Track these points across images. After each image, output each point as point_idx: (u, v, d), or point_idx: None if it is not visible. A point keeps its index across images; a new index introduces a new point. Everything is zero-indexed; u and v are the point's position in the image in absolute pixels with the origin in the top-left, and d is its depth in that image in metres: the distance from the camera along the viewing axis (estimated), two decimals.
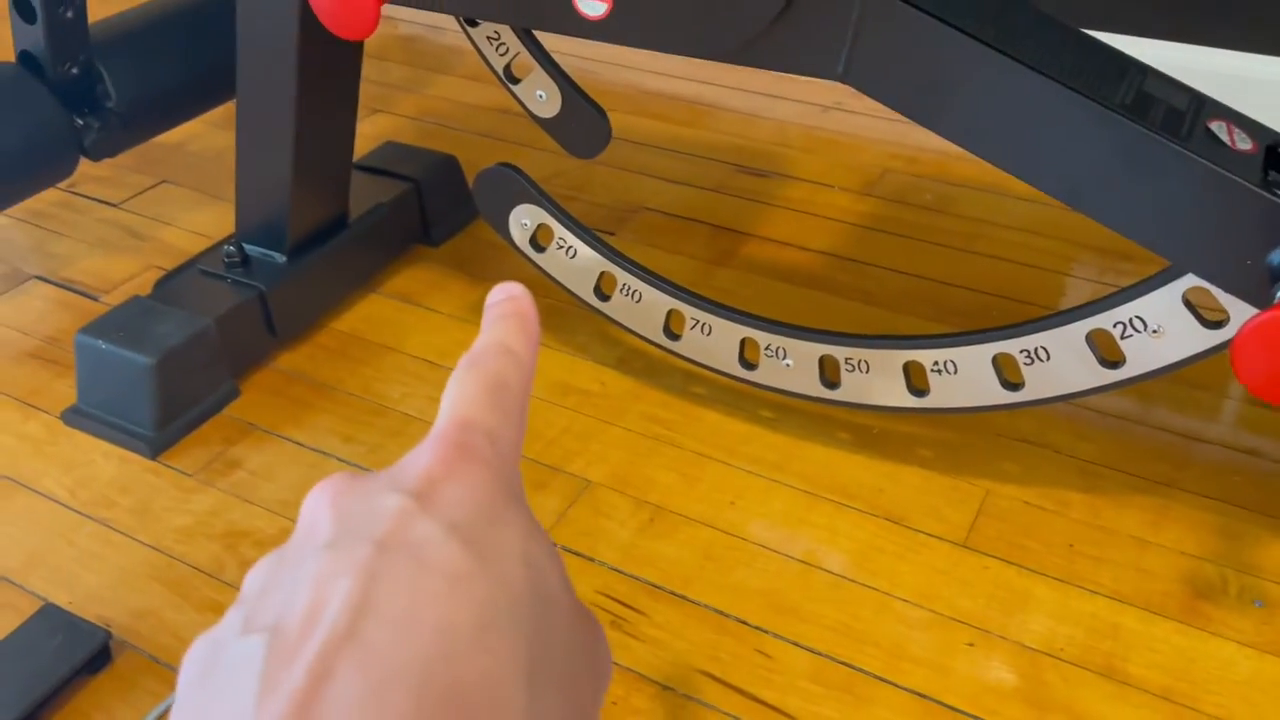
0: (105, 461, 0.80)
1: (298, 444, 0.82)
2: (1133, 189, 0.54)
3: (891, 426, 0.81)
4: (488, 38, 0.73)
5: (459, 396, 0.26)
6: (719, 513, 0.75)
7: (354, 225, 0.95)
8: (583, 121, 0.73)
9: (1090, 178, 0.55)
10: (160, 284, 0.93)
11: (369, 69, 1.46)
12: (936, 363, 0.68)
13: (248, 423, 0.84)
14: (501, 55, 0.73)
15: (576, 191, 1.14)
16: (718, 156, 1.20)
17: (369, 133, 1.26)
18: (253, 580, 0.23)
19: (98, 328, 0.81)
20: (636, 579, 0.71)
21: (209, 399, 0.84)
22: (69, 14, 0.92)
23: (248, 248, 0.89)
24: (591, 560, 0.72)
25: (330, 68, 0.82)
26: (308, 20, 0.74)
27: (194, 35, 1.03)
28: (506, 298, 0.30)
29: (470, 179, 1.08)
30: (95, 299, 0.98)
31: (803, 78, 0.63)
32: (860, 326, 0.93)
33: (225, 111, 1.20)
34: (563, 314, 0.95)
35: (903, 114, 0.60)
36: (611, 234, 1.07)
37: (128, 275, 1.01)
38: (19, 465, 0.80)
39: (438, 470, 0.24)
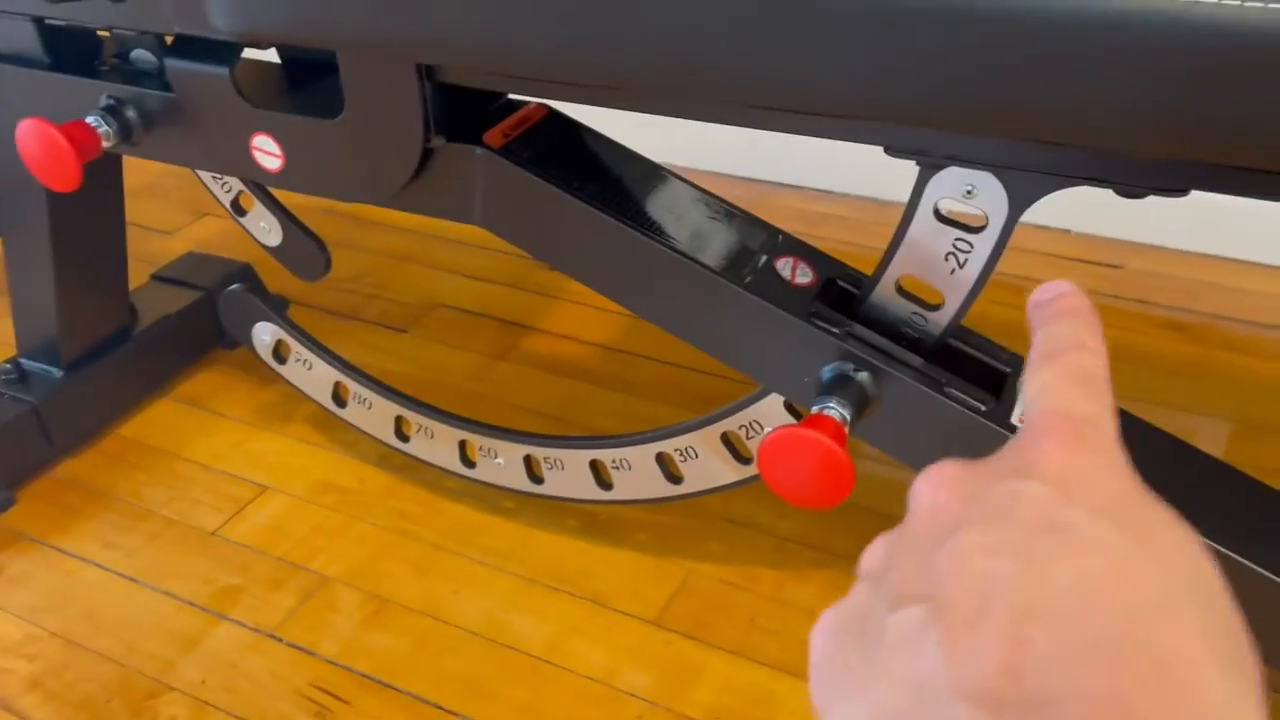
0: None
1: (60, 550, 0.87)
2: (706, 319, 0.62)
3: (618, 512, 0.88)
4: (212, 175, 0.80)
5: (1047, 387, 0.26)
6: (441, 602, 0.81)
7: (139, 336, 1.01)
8: (302, 249, 0.80)
9: (674, 309, 0.63)
10: None
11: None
12: (615, 460, 0.75)
13: (16, 531, 0.89)
14: (226, 191, 0.80)
15: (379, 290, 1.21)
16: (513, 250, 1.27)
17: (195, 236, 1.33)
18: (873, 559, 0.26)
19: None
20: (350, 670, 0.77)
21: None
22: None
23: (26, 364, 0.95)
24: (312, 654, 0.78)
25: (85, 194, 0.89)
26: None
27: None
28: (1055, 295, 0.30)
29: (277, 280, 1.16)
30: None
31: None
32: (621, 419, 1.01)
33: None
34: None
35: (530, 255, 0.68)
36: (404, 331, 1.14)
37: None
38: None
39: (1060, 458, 0.24)
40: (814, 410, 0.57)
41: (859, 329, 0.58)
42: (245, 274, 1.13)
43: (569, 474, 0.78)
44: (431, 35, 0.55)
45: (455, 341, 1.12)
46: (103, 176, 0.90)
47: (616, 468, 0.75)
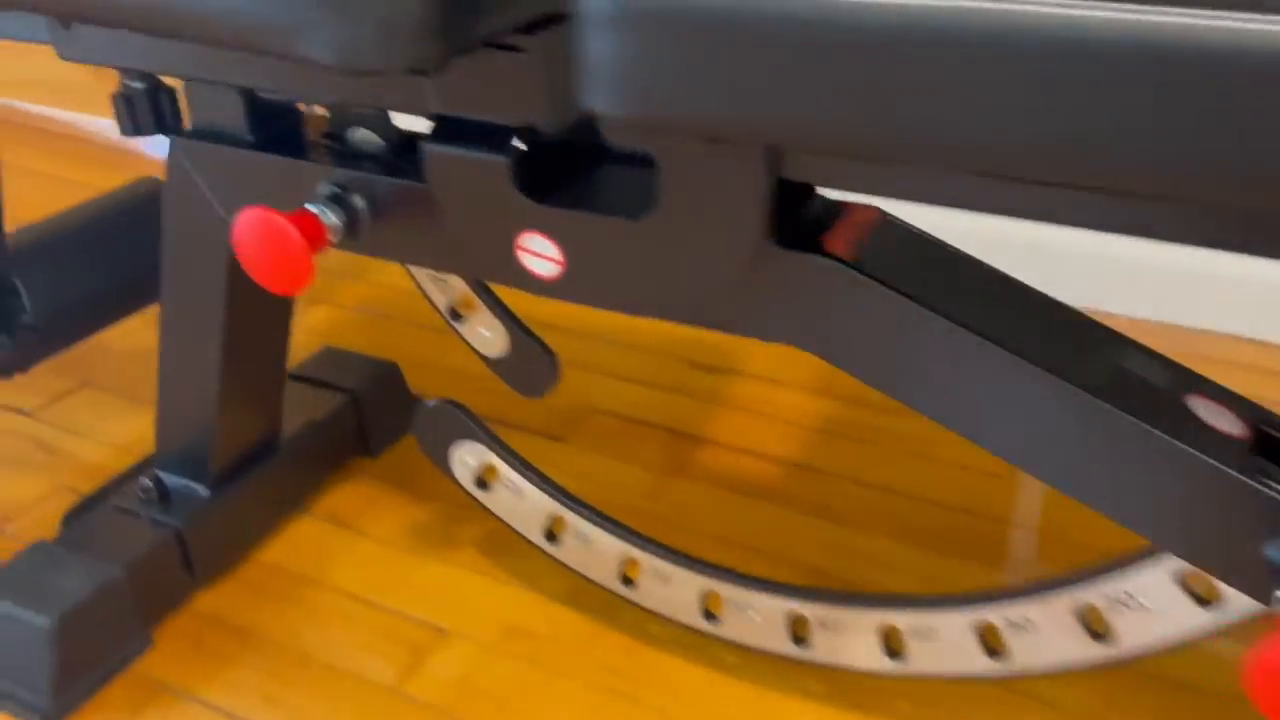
0: None
1: (213, 708, 0.74)
2: (1099, 468, 0.50)
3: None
4: (430, 276, 0.69)
5: None
6: None
7: (286, 446, 0.89)
8: (530, 362, 0.69)
9: (1063, 456, 0.51)
10: (69, 519, 0.85)
11: None
12: (916, 627, 0.63)
13: (158, 681, 0.76)
14: (444, 293, 0.69)
15: None
16: (670, 350, 1.16)
17: (308, 325, 1.21)
18: None
19: None
20: None
21: (117, 654, 0.76)
22: None
23: (167, 479, 0.83)
24: None
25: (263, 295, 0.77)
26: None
27: (119, 238, 0.99)
28: None
29: (418, 378, 1.04)
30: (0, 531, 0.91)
31: None
32: (822, 548, 0.89)
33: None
34: (507, 538, 0.88)
35: (884, 390, 0.56)
36: (561, 440, 1.02)
37: (36, 499, 0.94)
38: None
39: None
40: None
41: None
42: (394, 375, 1.01)
43: (846, 639, 0.65)
44: (812, 115, 0.44)
45: (620, 453, 1.00)
46: None
47: (916, 636, 0.63)
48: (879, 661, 0.65)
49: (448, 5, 0.46)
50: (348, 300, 1.28)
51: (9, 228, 0.92)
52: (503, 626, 0.80)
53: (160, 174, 0.81)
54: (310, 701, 0.74)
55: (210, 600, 0.83)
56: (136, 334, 1.19)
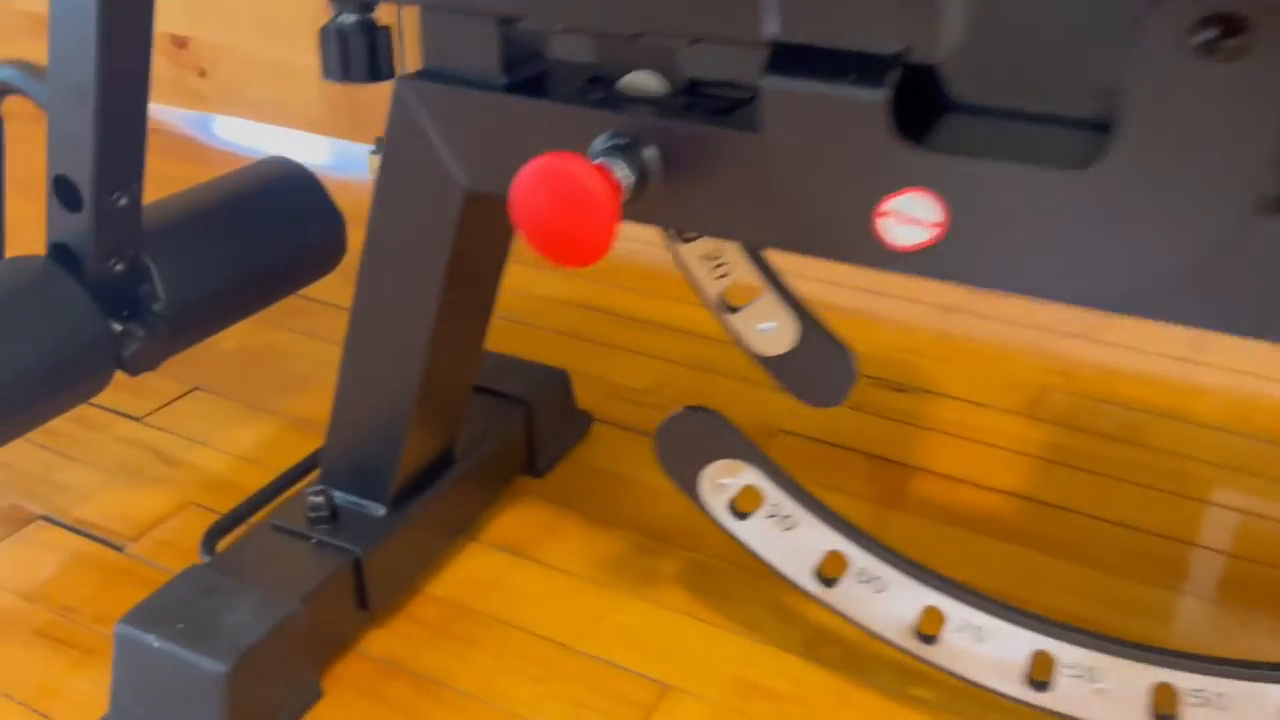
0: None
1: None
2: None
3: None
4: (703, 256, 0.57)
5: None
6: None
7: (460, 461, 0.76)
8: (822, 361, 0.56)
9: None
10: (211, 538, 0.73)
11: None
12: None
13: None
14: (718, 278, 0.57)
15: (689, 401, 0.96)
16: None
17: None
18: None
19: (147, 615, 0.61)
20: None
21: (288, 707, 0.63)
22: (123, 201, 0.74)
23: (336, 496, 0.70)
24: None
25: (477, 269, 0.65)
26: (470, 214, 0.57)
27: (255, 224, 0.87)
28: None
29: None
30: (120, 549, 0.77)
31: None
32: (1083, 595, 0.76)
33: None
34: (715, 574, 0.76)
35: None
36: None
37: (159, 515, 0.81)
38: None
39: None
40: None
41: None
42: (563, 383, 0.89)
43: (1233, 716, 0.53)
44: None
45: (822, 480, 0.87)
46: (502, 234, 0.66)
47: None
48: None
49: None
50: None
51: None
52: (735, 682, 0.67)
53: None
54: None
55: (383, 641, 0.70)
56: (246, 334, 1.06)
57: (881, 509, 0.84)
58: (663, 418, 0.64)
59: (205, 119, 1.63)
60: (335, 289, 0.94)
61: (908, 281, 1.24)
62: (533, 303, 1.16)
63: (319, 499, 0.68)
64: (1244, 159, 0.39)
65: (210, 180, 0.89)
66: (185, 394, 0.96)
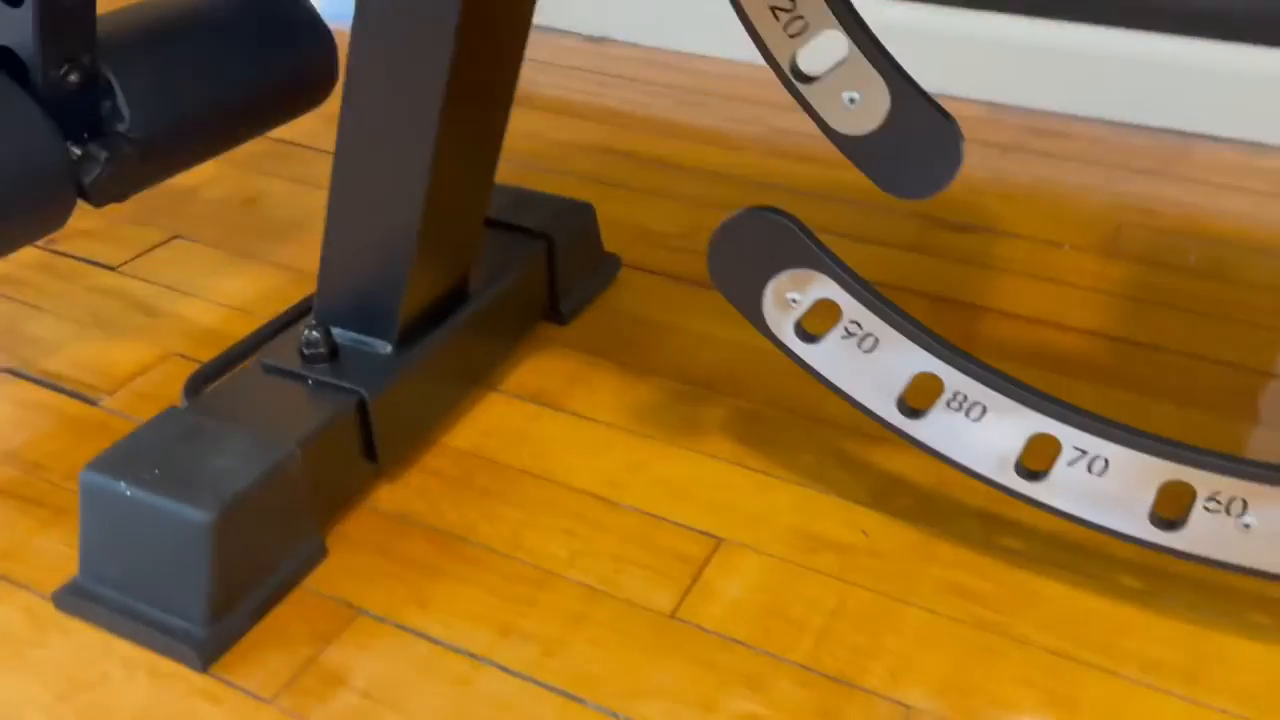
0: (126, 678, 0.50)
1: (430, 640, 0.52)
2: None
3: None
4: (773, 8, 0.46)
5: None
6: None
7: (476, 298, 0.66)
8: (921, 137, 0.46)
9: None
10: (195, 383, 0.63)
11: None
12: None
13: (347, 603, 0.54)
14: (793, 36, 0.46)
15: None
16: (898, 207, 0.93)
17: None
18: None
19: (116, 460, 0.52)
20: None
21: (287, 564, 0.54)
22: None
23: (336, 333, 0.61)
24: None
25: (494, 60, 0.54)
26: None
27: (236, 38, 0.75)
28: None
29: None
30: (94, 403, 0.69)
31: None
32: (1183, 436, 0.67)
33: (247, 150, 0.92)
34: (767, 421, 0.67)
35: None
36: None
37: (138, 367, 0.72)
38: None
39: None
40: None
41: None
42: (589, 218, 0.79)
43: None
44: None
45: None
46: (519, 26, 0.56)
47: None
48: None
49: None
50: None
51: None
52: (794, 534, 0.59)
53: None
54: (566, 634, 0.53)
55: (396, 496, 0.61)
56: (227, 180, 0.96)
57: None
58: (701, 257, 0.54)
59: None
60: (327, 134, 0.83)
61: (963, 120, 1.12)
62: (553, 148, 1.05)
63: (315, 333, 0.59)
64: None
65: None
66: (165, 242, 0.86)
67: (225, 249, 0.86)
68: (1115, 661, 0.52)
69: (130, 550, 0.51)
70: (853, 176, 0.50)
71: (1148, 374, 0.73)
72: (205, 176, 0.96)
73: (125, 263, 0.84)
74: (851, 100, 0.47)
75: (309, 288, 0.66)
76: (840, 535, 0.59)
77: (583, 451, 0.65)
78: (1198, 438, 0.66)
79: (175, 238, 0.88)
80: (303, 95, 0.81)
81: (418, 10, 0.51)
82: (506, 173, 1.04)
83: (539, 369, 0.72)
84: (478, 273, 0.68)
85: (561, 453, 0.65)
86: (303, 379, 0.58)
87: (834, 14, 0.45)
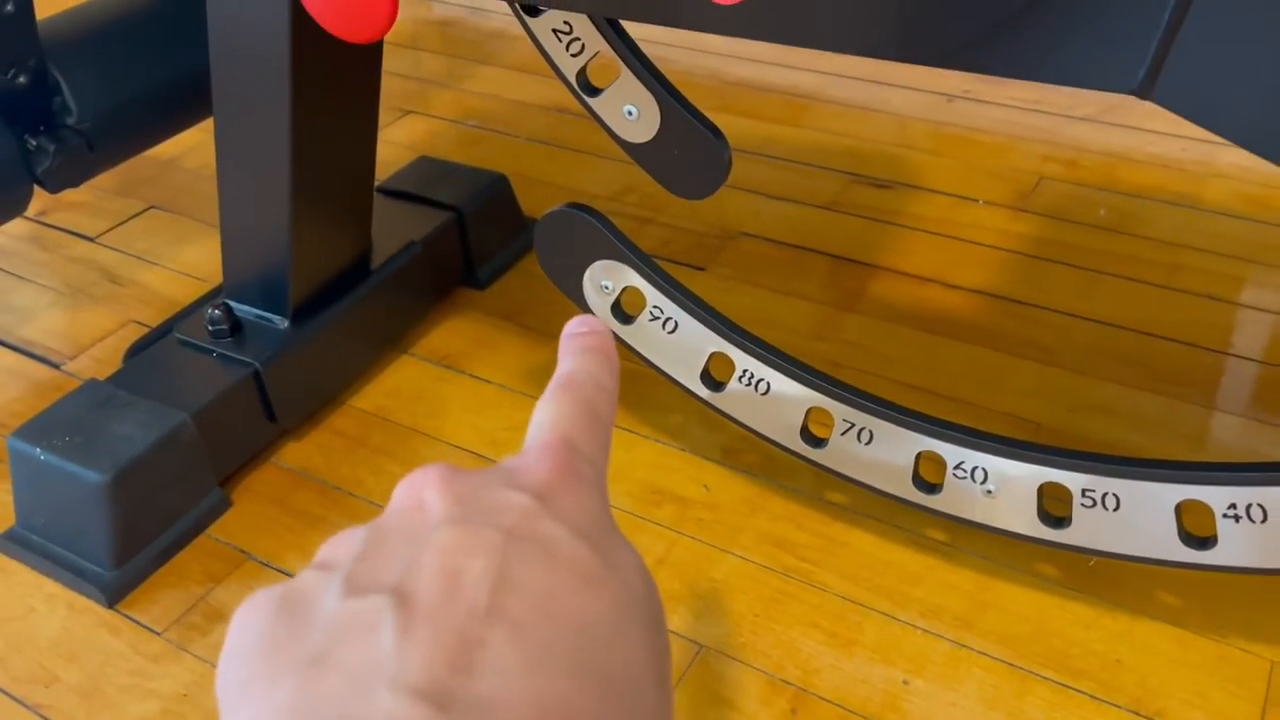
0: (47, 612, 0.60)
1: None
2: None
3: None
4: (554, 30, 0.51)
5: (560, 416, 0.27)
6: (892, 698, 0.53)
7: (378, 272, 0.74)
8: (691, 149, 0.51)
9: None
10: (130, 356, 0.72)
11: (398, 61, 1.25)
12: (1232, 505, 0.45)
13: (238, 549, 0.63)
14: (574, 55, 0.51)
15: (654, 213, 0.92)
16: (826, 163, 0.97)
17: (398, 140, 1.05)
18: (339, 548, 0.24)
19: (36, 429, 0.61)
20: None
21: (188, 515, 0.63)
22: (8, 6, 0.71)
23: (238, 309, 0.68)
24: None
25: (339, 62, 0.60)
26: (302, 9, 0.52)
27: (176, 29, 0.82)
28: (589, 331, 0.30)
29: (523, 200, 0.88)
30: (57, 367, 0.78)
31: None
32: (1044, 395, 0.71)
33: None
34: (645, 382, 0.73)
35: (1230, 139, 0.37)
36: (701, 269, 0.85)
37: (99, 334, 0.81)
38: None
39: (554, 479, 0.24)
40: None
41: None
42: (503, 189, 0.84)
43: (1125, 517, 0.48)
44: None
45: (776, 284, 0.82)
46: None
47: (1230, 517, 0.46)
48: (1173, 549, 0.48)
49: None
50: (442, 109, 1.11)
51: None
52: (647, 488, 0.65)
53: None
54: None
55: (298, 452, 0.69)
56: (205, 150, 1.04)
57: (836, 311, 0.79)
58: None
59: None
60: None
61: (909, 71, 1.13)
62: (508, 108, 1.10)
63: (218, 311, 0.67)
64: None
65: None
66: (141, 212, 0.95)
67: (195, 218, 0.95)
68: (898, 607, 0.57)
69: (50, 505, 0.61)
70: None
71: (1022, 332, 0.76)
72: (186, 146, 1.04)
73: (103, 233, 0.93)
74: (630, 112, 0.51)
75: None
76: (684, 489, 0.65)
77: (471, 412, 0.72)
78: (1057, 398, 0.70)
79: (151, 208, 0.96)
80: None
81: (254, 23, 0.57)
82: (458, 134, 1.11)
83: (450, 333, 0.79)
84: (384, 247, 0.75)
85: (453, 413, 0.72)
86: (209, 352, 0.66)
87: (604, 37, 0.50)
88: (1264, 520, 0.44)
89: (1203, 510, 0.46)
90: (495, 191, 0.83)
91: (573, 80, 0.52)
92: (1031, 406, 0.70)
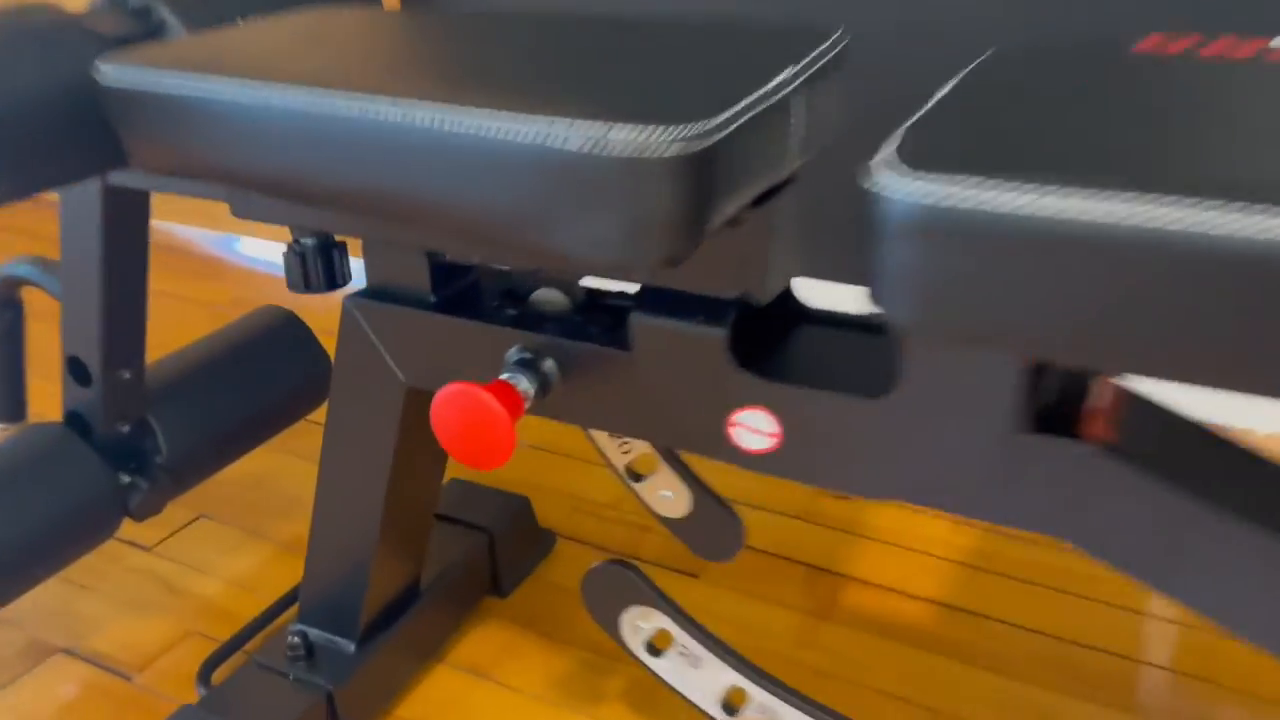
0: None
1: None
2: None
3: None
4: (609, 435, 0.66)
5: None
6: None
7: (427, 592, 0.86)
8: (714, 525, 0.65)
9: None
10: (206, 671, 0.82)
11: None
12: None
13: None
14: (624, 452, 0.66)
15: (649, 520, 1.06)
16: None
17: None
18: None
19: None
20: None
21: None
22: (127, 376, 0.85)
23: (312, 634, 0.80)
24: None
25: (427, 438, 0.75)
26: (413, 401, 0.67)
27: (249, 374, 0.97)
28: None
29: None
30: (129, 679, 0.87)
31: None
32: (996, 703, 0.84)
33: None
34: (656, 691, 0.84)
35: (1151, 584, 0.52)
36: (694, 576, 0.98)
37: (163, 645, 0.91)
38: None
39: None
40: None
41: None
42: (525, 509, 0.98)
43: None
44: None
45: (760, 591, 0.96)
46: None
47: None
48: None
49: (699, 198, 0.44)
50: None
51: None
52: None
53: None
54: None
55: None
56: (249, 460, 1.17)
57: (815, 620, 0.93)
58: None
59: (228, 239, 1.74)
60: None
61: None
62: None
63: (296, 640, 0.78)
64: (995, 397, 0.48)
65: (209, 334, 1.00)
66: (191, 522, 1.07)
67: (239, 526, 1.06)
68: None
69: None
70: None
71: (970, 640, 0.90)
72: None
73: (158, 543, 1.04)
74: (666, 495, 0.66)
75: (301, 565, 0.84)
76: None
77: (499, 717, 0.82)
78: (1005, 705, 0.83)
79: (200, 516, 1.08)
80: (304, 405, 1.02)
81: (369, 412, 0.71)
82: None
83: (478, 641, 0.90)
84: (432, 567, 0.87)
85: (482, 718, 0.82)
86: (285, 676, 0.77)
87: (654, 445, 0.65)
88: None
89: None
90: (518, 511, 0.97)
91: (621, 470, 0.67)
92: (984, 713, 0.82)
